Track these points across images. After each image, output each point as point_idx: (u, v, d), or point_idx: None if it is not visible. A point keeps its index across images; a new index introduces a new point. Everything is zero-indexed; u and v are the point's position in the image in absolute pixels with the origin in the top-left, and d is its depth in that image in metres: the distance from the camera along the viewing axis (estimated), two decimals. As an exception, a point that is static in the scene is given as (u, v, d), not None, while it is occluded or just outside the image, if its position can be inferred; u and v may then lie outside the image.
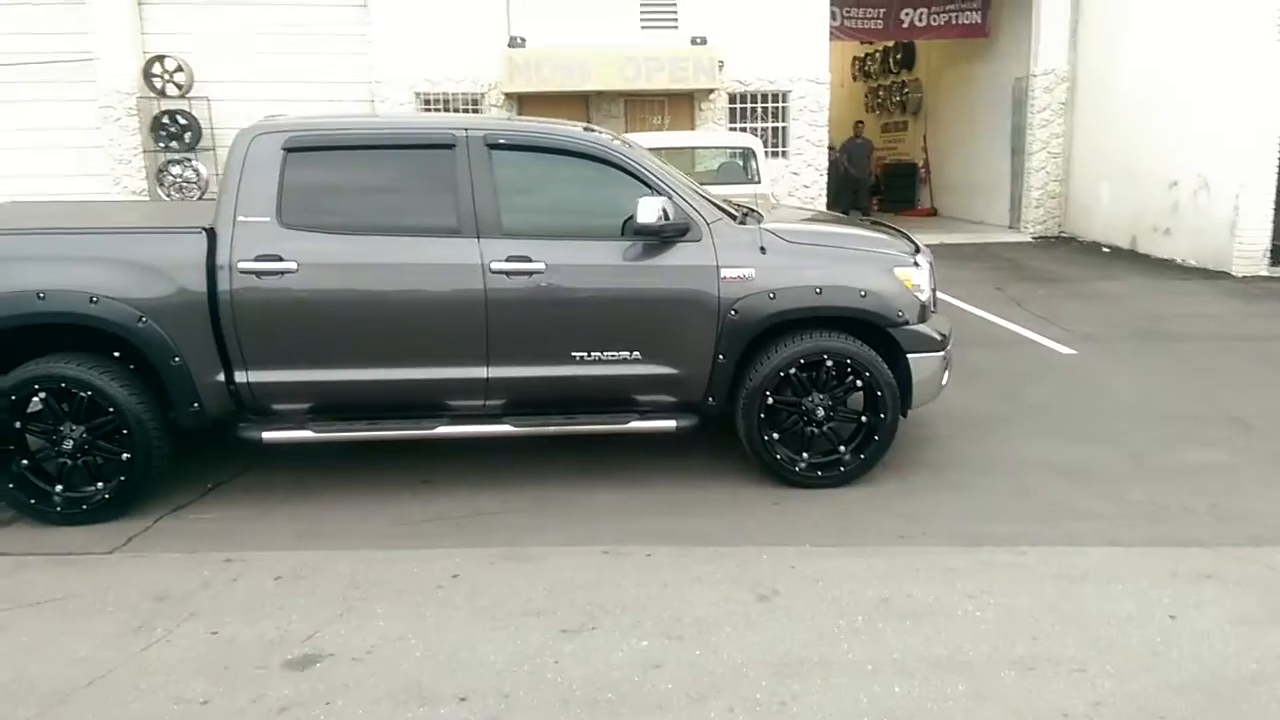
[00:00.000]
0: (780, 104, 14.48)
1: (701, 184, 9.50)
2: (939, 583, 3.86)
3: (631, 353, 4.78)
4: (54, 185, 12.95)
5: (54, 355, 4.53)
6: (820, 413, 4.87)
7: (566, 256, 4.70)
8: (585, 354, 4.76)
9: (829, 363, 4.80)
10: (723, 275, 4.75)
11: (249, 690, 3.16)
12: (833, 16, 15.19)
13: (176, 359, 4.55)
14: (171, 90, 13.30)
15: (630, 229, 4.63)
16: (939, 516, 4.56)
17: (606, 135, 5.02)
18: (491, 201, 4.69)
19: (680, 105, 14.21)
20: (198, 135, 13.45)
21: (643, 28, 13.85)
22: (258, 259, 4.53)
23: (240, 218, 4.58)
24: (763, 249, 4.81)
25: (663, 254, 4.73)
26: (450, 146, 4.71)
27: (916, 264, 4.98)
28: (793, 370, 4.80)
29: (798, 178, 14.66)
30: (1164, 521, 4.47)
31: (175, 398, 4.62)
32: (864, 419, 4.90)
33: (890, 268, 4.92)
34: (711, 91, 14.03)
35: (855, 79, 23.10)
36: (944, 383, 5.14)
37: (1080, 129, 14.97)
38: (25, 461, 4.57)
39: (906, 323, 4.88)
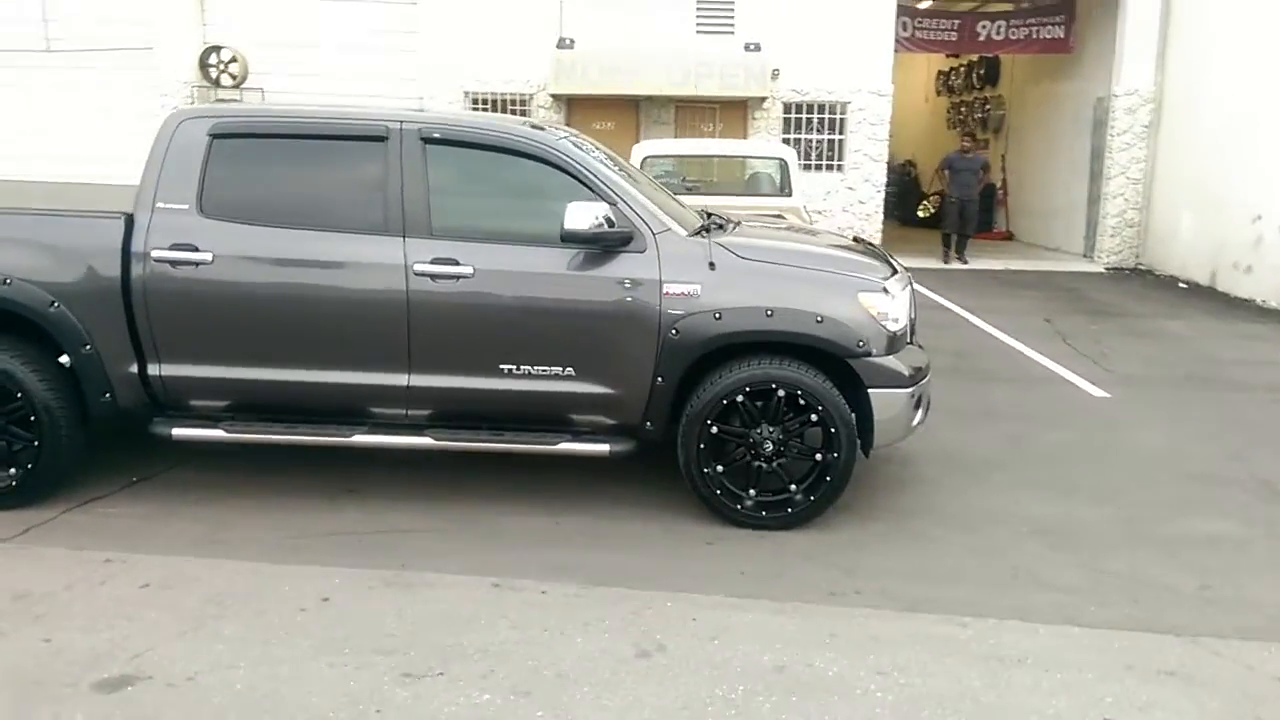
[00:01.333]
0: (838, 115, 13.92)
1: (729, 194, 9.22)
2: (850, 653, 3.39)
3: (564, 368, 4.42)
4: (112, 168, 13.26)
5: (-30, 337, 4.42)
6: (769, 446, 4.42)
7: (497, 261, 4.37)
8: (514, 367, 4.42)
9: (780, 393, 4.36)
10: (665, 291, 4.36)
11: (45, 711, 2.91)
12: (903, 27, 14.59)
13: (88, 347, 4.39)
14: (226, 80, 13.50)
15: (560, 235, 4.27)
16: (882, 573, 4.07)
17: (556, 134, 4.67)
18: (421, 199, 4.39)
19: (733, 113, 13.78)
20: (250, 125, 13.58)
21: (698, 32, 13.48)
22: (172, 247, 4.33)
23: (159, 204, 4.39)
24: (712, 264, 4.40)
25: (603, 264, 4.36)
26: (383, 139, 4.43)
27: (886, 290, 4.49)
28: (740, 398, 4.37)
29: (853, 193, 14.07)
30: (1141, 600, 3.89)
31: (86, 387, 4.45)
32: (818, 457, 4.44)
33: (855, 293, 4.45)
34: (765, 100, 13.56)
35: (939, 94, 22.28)
36: (915, 422, 4.64)
37: (1163, 154, 14.00)
38: (-71, 444, 4.47)
39: (869, 354, 4.40)
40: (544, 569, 4.00)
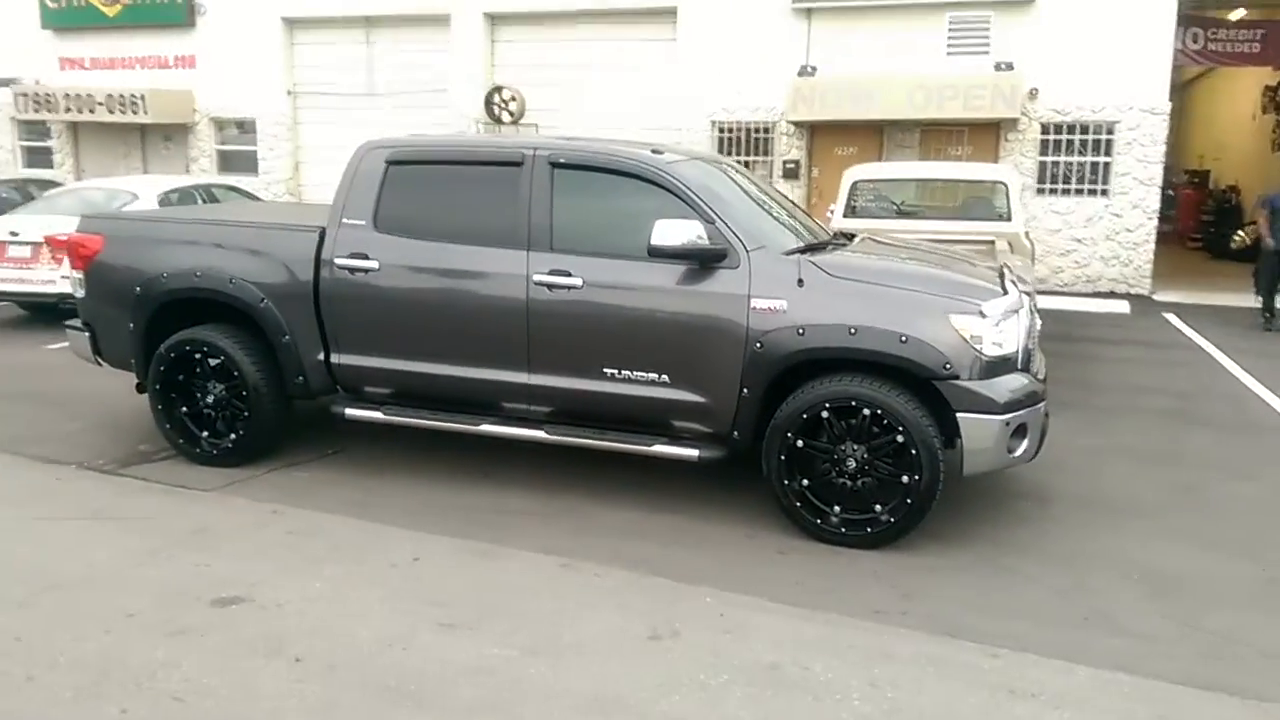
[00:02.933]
0: (1104, 136, 12.92)
1: (943, 219, 9.01)
2: (854, 665, 3.44)
3: (660, 375, 4.75)
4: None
5: (206, 326, 5.54)
6: (851, 464, 4.48)
7: (603, 274, 4.80)
8: (616, 371, 4.82)
9: (865, 411, 4.41)
10: (753, 305, 4.57)
11: (169, 612, 3.71)
12: (1192, 39, 13.30)
13: (287, 337, 5.35)
14: (506, 117, 15.07)
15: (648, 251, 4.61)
16: (943, 600, 4.00)
17: (668, 158, 5.01)
18: (545, 217, 4.93)
19: (984, 135, 13.25)
20: (523, 156, 15.07)
21: (949, 54, 13.13)
22: (350, 256, 5.19)
23: (344, 220, 5.27)
24: (800, 281, 4.55)
25: (698, 279, 4.65)
26: (519, 164, 5.03)
27: (982, 314, 4.39)
28: (825, 414, 4.47)
29: (1119, 220, 12.98)
30: (1222, 659, 3.54)
31: (284, 370, 5.42)
32: (904, 479, 4.42)
33: (945, 314, 4.39)
34: (1019, 121, 12.91)
35: (1265, 111, 19.78)
36: (1017, 453, 4.47)
37: None
38: (185, 408, 5.63)
39: (955, 377, 4.33)
40: (612, 556, 4.35)
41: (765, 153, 14.35)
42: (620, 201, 4.94)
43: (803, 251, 4.82)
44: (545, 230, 4.92)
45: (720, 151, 14.56)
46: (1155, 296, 12.83)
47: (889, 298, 4.49)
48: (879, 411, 4.38)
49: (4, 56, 18.72)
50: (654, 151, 5.08)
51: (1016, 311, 4.58)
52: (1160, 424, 6.74)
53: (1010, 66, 12.53)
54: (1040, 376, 4.83)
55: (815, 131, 13.96)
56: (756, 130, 14.29)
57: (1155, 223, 12.96)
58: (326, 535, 4.55)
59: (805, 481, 4.57)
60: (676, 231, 4.52)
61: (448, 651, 3.46)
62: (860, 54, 13.35)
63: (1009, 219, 9.04)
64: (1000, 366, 4.45)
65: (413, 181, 5.26)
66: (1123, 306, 12.11)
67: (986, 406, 4.34)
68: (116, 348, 5.78)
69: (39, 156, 19.12)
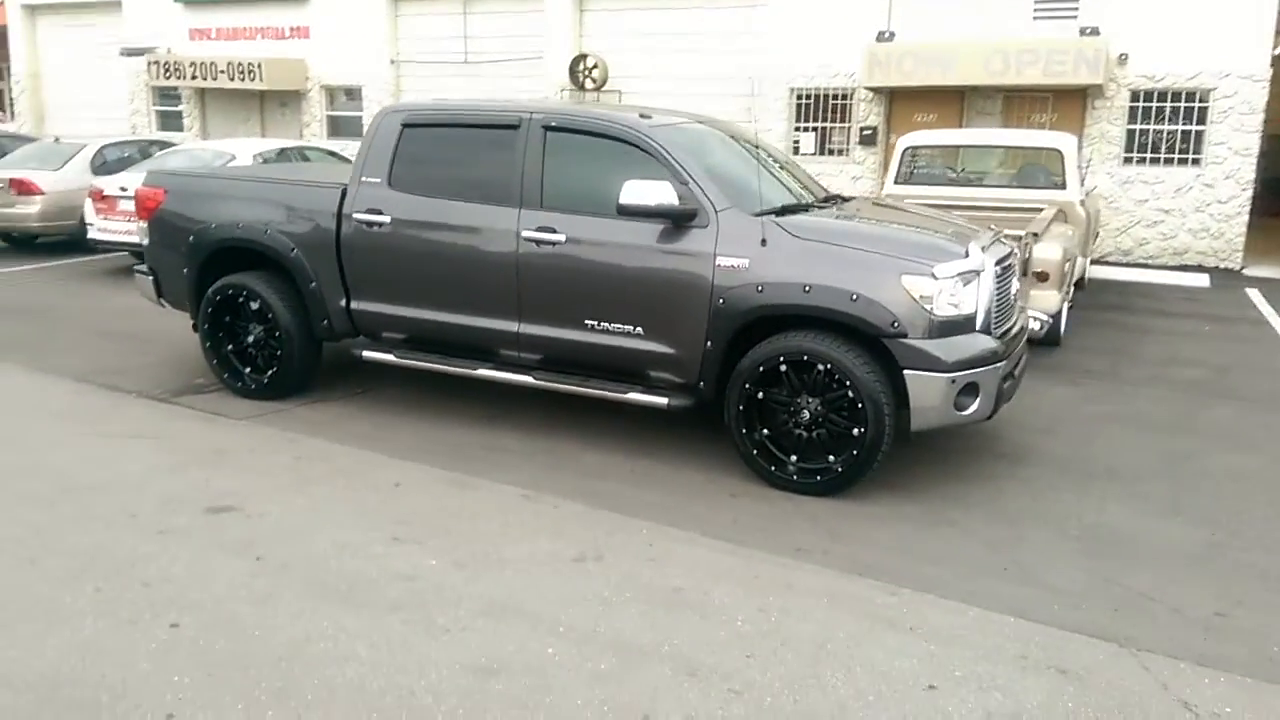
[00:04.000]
0: (1198, 104, 12.30)
1: (996, 187, 8.90)
2: (754, 593, 3.69)
3: (635, 327, 5.04)
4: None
5: (248, 272, 6.12)
6: (806, 416, 4.69)
7: (584, 231, 5.10)
8: (595, 322, 5.13)
9: (819, 366, 4.60)
10: (718, 263, 4.80)
11: (165, 515, 4.26)
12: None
13: (313, 284, 5.87)
14: (589, 84, 15.41)
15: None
16: (869, 544, 4.19)
17: (657, 122, 5.24)
18: (536, 177, 5.26)
19: (1070, 103, 12.80)
20: (605, 122, 15.41)
21: (1035, 18, 12.71)
22: (367, 211, 5.65)
23: (363, 178, 5.73)
24: (764, 241, 4.74)
25: (672, 238, 4.90)
26: (516, 127, 5.37)
27: (934, 276, 4.49)
28: (783, 368, 4.68)
29: (1210, 190, 12.37)
30: (1122, 613, 3.62)
31: (311, 314, 5.95)
32: (855, 431, 4.60)
33: (898, 274, 4.52)
34: (1107, 88, 12.42)
35: None
36: (967, 411, 4.57)
37: None
38: (230, 346, 6.25)
39: (904, 335, 4.47)
40: (573, 491, 4.69)
41: (843, 119, 14.25)
42: (605, 163, 5.21)
43: (778, 213, 5.00)
44: (536, 189, 5.26)
45: (798, 119, 14.55)
46: (1246, 271, 12.21)
47: (844, 258, 4.64)
48: (830, 366, 4.57)
49: (142, 28, 20.22)
50: (642, 116, 5.33)
51: (977, 273, 4.66)
52: (1184, 396, 6.59)
53: (1096, 31, 12.06)
54: (1009, 337, 4.89)
55: (894, 98, 13.77)
56: (835, 97, 14.20)
57: (1249, 194, 12.29)
58: (327, 461, 5.05)
59: (765, 431, 4.80)
60: (644, 191, 4.78)
61: (389, 561, 3.88)
62: (941, 18, 13.07)
63: (1064, 187, 8.85)
64: (954, 327, 4.55)
65: (424, 143, 5.67)
66: (1202, 280, 11.60)
67: (931, 364, 4.46)
68: (175, 290, 6.45)
69: (171, 120, 20.60)
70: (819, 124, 14.41)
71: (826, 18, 13.91)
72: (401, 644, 3.23)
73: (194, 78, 18.82)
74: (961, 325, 4.60)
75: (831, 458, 4.67)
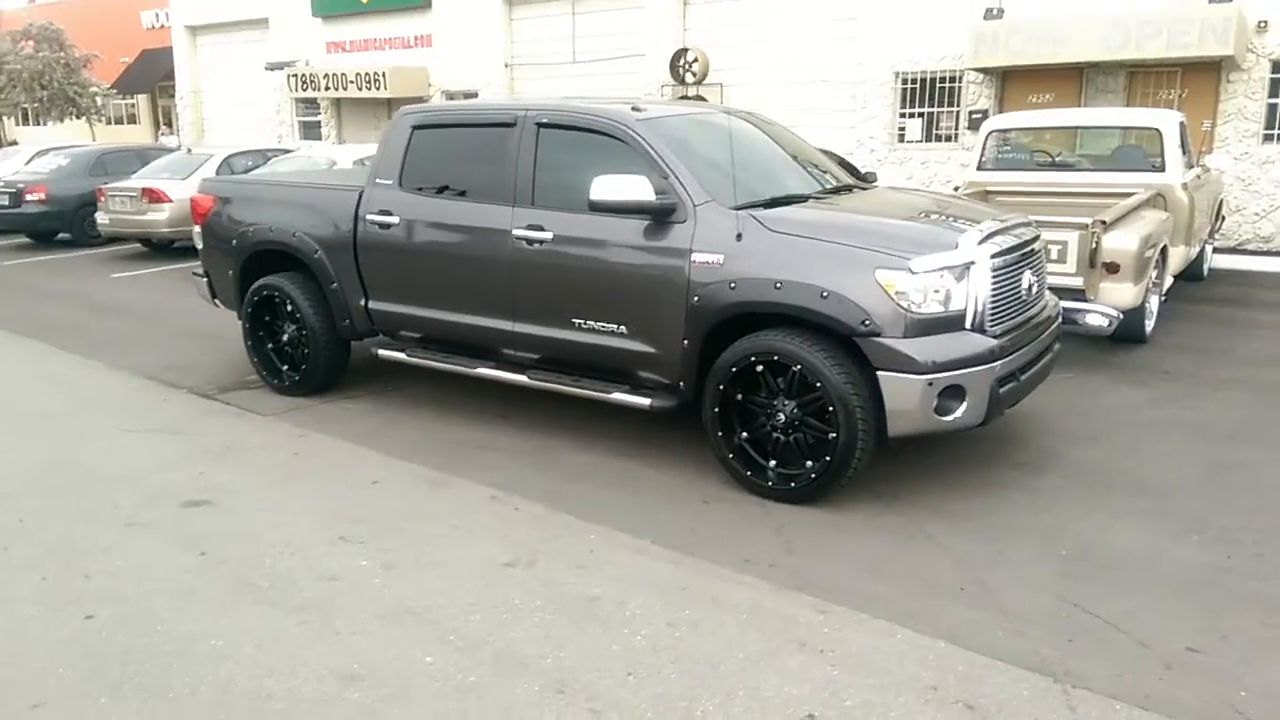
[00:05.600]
0: (1354, 73, 10.96)
1: (1091, 170, 8.22)
2: (676, 605, 3.51)
3: (619, 326, 4.92)
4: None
5: (282, 274, 6.37)
6: (781, 418, 4.45)
7: (570, 228, 5.02)
8: (582, 321, 5.05)
9: (793, 367, 4.35)
10: (693, 259, 4.61)
11: (143, 509, 4.47)
12: None
13: (335, 285, 6.05)
14: (690, 79, 15.27)
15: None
16: (826, 558, 3.92)
17: (646, 114, 5.09)
18: (529, 174, 5.22)
19: (1202, 77, 11.66)
20: (707, 116, 15.22)
21: (1161, -14, 11.66)
22: (379, 213, 5.76)
23: (377, 180, 5.85)
24: (739, 236, 4.53)
25: (653, 234, 4.75)
26: (512, 125, 5.35)
27: (911, 270, 4.15)
28: (760, 369, 4.46)
29: (1367, 171, 11.00)
30: (1076, 644, 3.22)
31: (335, 313, 6.13)
32: (831, 436, 4.32)
33: (872, 269, 4.20)
34: (1244, 59, 11.24)
35: None
36: (950, 416, 4.21)
37: None
38: (270, 345, 6.53)
39: (876, 334, 4.16)
40: (545, 493, 4.62)
41: (952, 103, 13.52)
42: (593, 158, 5.09)
43: (767, 205, 4.77)
44: (528, 187, 5.22)
45: (905, 104, 13.91)
46: None
47: (818, 252, 4.37)
48: (801, 367, 4.31)
49: (287, 43, 21.53)
50: (634, 109, 5.19)
51: (967, 266, 4.28)
52: (1265, 400, 5.87)
53: (1228, -4, 10.95)
54: (1015, 334, 4.47)
55: (1007, 78, 12.95)
56: (942, 80, 13.49)
57: None
58: (321, 458, 5.19)
59: (745, 434, 4.59)
60: (616, 187, 4.65)
61: (324, 560, 3.93)
62: (1058, -8, 12.20)
63: (1163, 170, 8.06)
64: (937, 325, 4.21)
65: (432, 144, 5.73)
66: (1349, 271, 10.35)
67: (906, 365, 4.13)
68: (225, 292, 6.80)
69: (312, 129, 21.85)
70: (926, 109, 13.73)
71: (931, -3, 13.24)
72: (288, 645, 3.26)
73: (327, 89, 19.87)
74: (946, 323, 4.24)
75: (809, 463, 4.41)
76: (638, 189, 4.64)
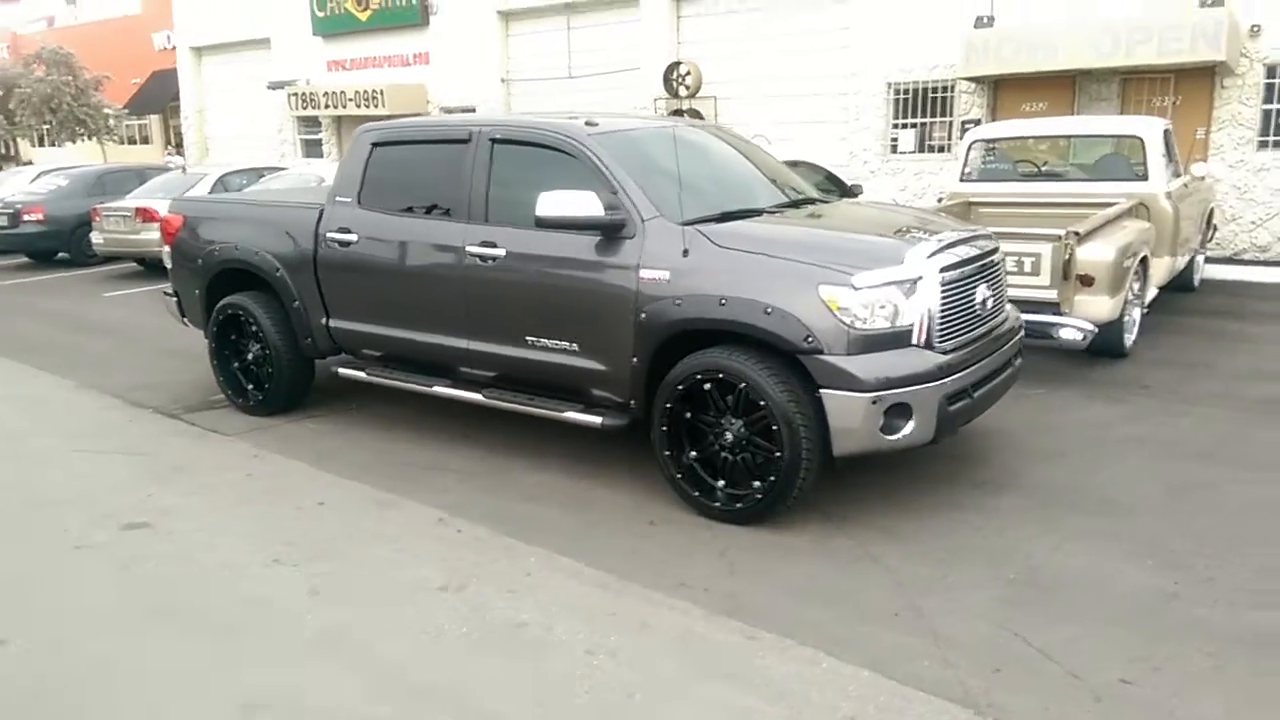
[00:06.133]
0: (1351, 78, 10.79)
1: (1072, 180, 8.10)
2: (598, 630, 3.43)
3: (571, 343, 4.85)
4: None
5: (245, 293, 6.33)
6: (728, 437, 4.36)
7: (521, 244, 4.96)
8: (535, 339, 4.98)
9: (739, 385, 4.26)
10: (640, 275, 4.54)
11: (86, 530, 4.42)
12: None
13: (296, 303, 6.01)
14: (683, 91, 15.23)
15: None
16: (764, 581, 3.83)
17: (598, 129, 5.02)
18: (482, 190, 5.17)
19: (1196, 83, 11.50)
20: (701, 129, 15.17)
21: (1154, -8, 11.54)
22: (338, 230, 5.72)
23: (337, 198, 5.82)
24: (685, 251, 4.45)
25: (602, 250, 4.68)
26: (466, 141, 5.30)
27: (854, 286, 4.06)
28: (707, 387, 4.37)
29: (1367, 178, 10.80)
30: (1004, 674, 3.12)
31: (297, 332, 6.09)
32: (776, 455, 4.23)
33: (816, 285, 4.12)
34: (1237, 65, 11.09)
35: None
36: (896, 435, 4.11)
37: None
38: (236, 365, 6.49)
39: (819, 351, 4.07)
40: (492, 515, 4.54)
41: (945, 113, 13.41)
42: (544, 174, 5.02)
43: (719, 219, 4.69)
44: (482, 203, 5.16)
45: (896, 113, 13.81)
46: None
47: (763, 267, 4.28)
48: (745, 385, 4.22)
49: (288, 62, 21.66)
50: (588, 123, 5.13)
51: (914, 282, 4.19)
52: (1243, 417, 5.72)
53: (1219, 2, 10.79)
54: (967, 349, 4.37)
55: (999, 87, 12.84)
56: (935, 90, 13.38)
57: None
58: (274, 479, 5.13)
59: (694, 454, 4.50)
60: (563, 203, 4.59)
61: (252, 584, 3.87)
62: (1051, 2, 12.07)
63: (1146, 178, 7.93)
64: (882, 341, 4.11)
65: (389, 162, 5.69)
66: (1346, 280, 10.15)
67: (849, 383, 4.04)
68: (193, 311, 6.77)
69: (313, 147, 21.94)
70: (918, 119, 13.63)
71: (922, 5, 13.14)
72: (190, 674, 3.20)
73: (327, 106, 19.97)
74: (893, 339, 4.14)
75: (756, 484, 4.32)
76: (584, 204, 4.58)
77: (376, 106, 18.96)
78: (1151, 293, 7.76)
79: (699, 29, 15.57)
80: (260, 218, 6.25)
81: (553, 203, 4.60)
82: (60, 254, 15.01)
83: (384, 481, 5.03)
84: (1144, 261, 7.25)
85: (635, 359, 4.60)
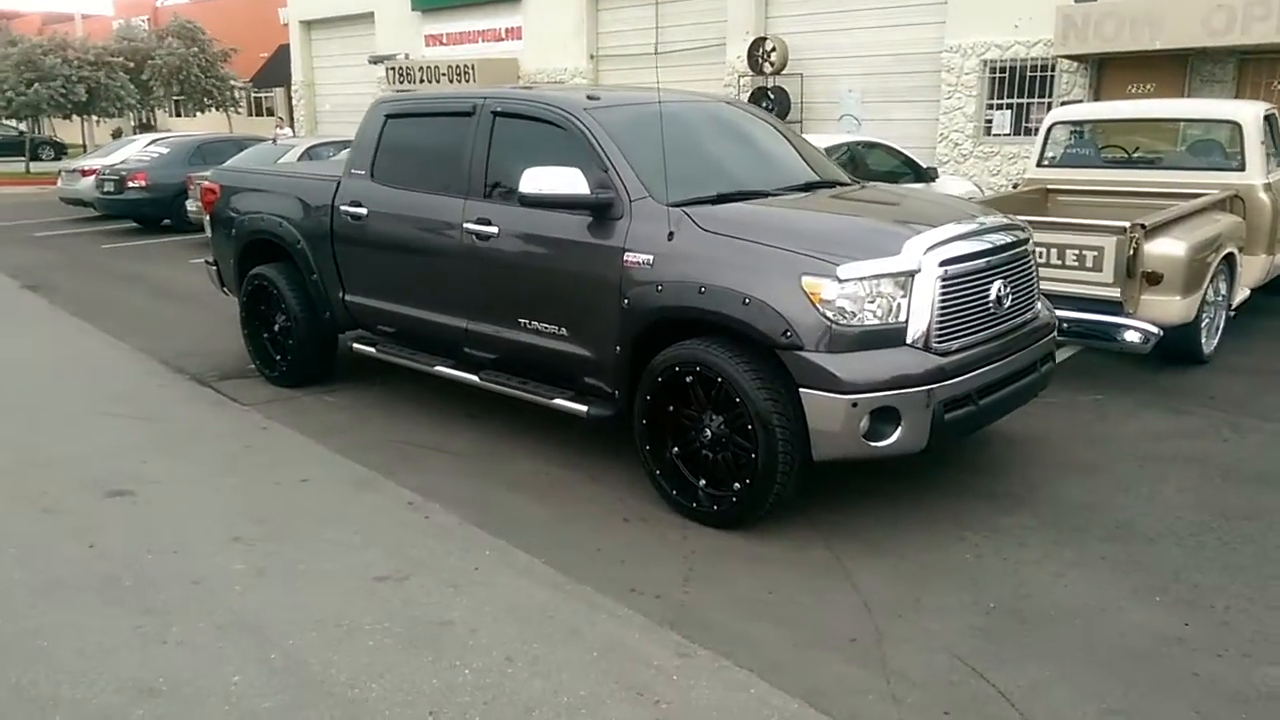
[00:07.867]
0: None
1: (1162, 168, 7.43)
2: (527, 634, 3.24)
3: (560, 327, 4.66)
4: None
5: (271, 264, 6.35)
6: (709, 434, 4.09)
7: (515, 223, 4.78)
8: (526, 321, 4.81)
9: (718, 379, 3.99)
10: (625, 259, 4.30)
11: (67, 496, 4.48)
12: None
13: (315, 275, 5.99)
14: (768, 68, 14.74)
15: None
16: (720, 591, 3.57)
17: (599, 102, 4.78)
18: (482, 165, 5.01)
19: (1326, 65, 10.45)
20: (786, 108, 14.69)
21: (1282, -38, 10.47)
22: (351, 204, 5.66)
23: (352, 170, 5.75)
24: (670, 235, 4.19)
25: (591, 231, 4.46)
26: (470, 114, 5.14)
27: (838, 277, 3.72)
28: (688, 379, 4.11)
29: None
30: (953, 714, 2.79)
31: (316, 305, 6.07)
32: (753, 455, 3.94)
33: (798, 275, 3.79)
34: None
35: None
36: (882, 442, 3.76)
37: None
38: (265, 335, 6.54)
39: (798, 347, 3.75)
40: (467, 501, 4.40)
41: (1044, 93, 12.57)
42: (543, 149, 4.80)
43: (714, 201, 4.40)
44: (481, 179, 5.01)
45: (993, 94, 13.02)
46: None
47: (747, 254, 3.97)
48: (722, 380, 3.94)
49: (390, 37, 22.03)
50: (589, 97, 4.90)
51: (909, 275, 3.82)
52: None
53: (1354, -29, 9.72)
54: (972, 351, 3.97)
55: (1103, 67, 11.94)
56: (1033, 68, 12.56)
57: None
58: (268, 452, 5.12)
59: (676, 450, 4.25)
60: (547, 179, 4.38)
61: (201, 561, 3.81)
62: (1159, -29, 11.13)
63: (1242, 168, 7.19)
64: (869, 339, 3.77)
65: (401, 134, 5.58)
66: None
67: (829, 383, 3.71)
68: (230, 280, 6.85)
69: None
70: (1016, 99, 12.83)
71: (1024, -19, 12.33)
72: (110, 652, 3.15)
73: (421, 81, 20.20)
74: (882, 337, 3.80)
75: (735, 485, 4.04)
76: (569, 181, 4.36)
77: (467, 81, 19.08)
78: (1242, 294, 7.04)
79: (787, 4, 15.04)
80: (285, 189, 6.25)
81: (536, 179, 4.39)
82: (164, 220, 15.64)
83: (375, 460, 4.95)
84: (1230, 259, 6.57)
85: (619, 347, 4.37)
